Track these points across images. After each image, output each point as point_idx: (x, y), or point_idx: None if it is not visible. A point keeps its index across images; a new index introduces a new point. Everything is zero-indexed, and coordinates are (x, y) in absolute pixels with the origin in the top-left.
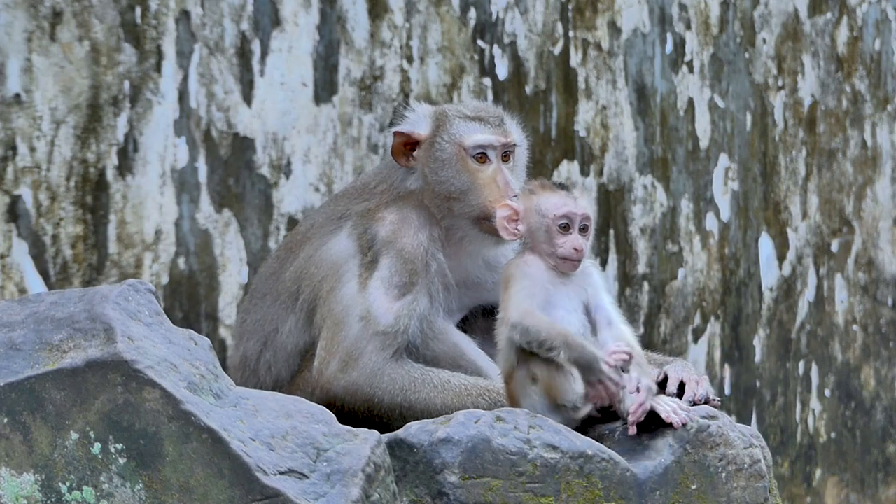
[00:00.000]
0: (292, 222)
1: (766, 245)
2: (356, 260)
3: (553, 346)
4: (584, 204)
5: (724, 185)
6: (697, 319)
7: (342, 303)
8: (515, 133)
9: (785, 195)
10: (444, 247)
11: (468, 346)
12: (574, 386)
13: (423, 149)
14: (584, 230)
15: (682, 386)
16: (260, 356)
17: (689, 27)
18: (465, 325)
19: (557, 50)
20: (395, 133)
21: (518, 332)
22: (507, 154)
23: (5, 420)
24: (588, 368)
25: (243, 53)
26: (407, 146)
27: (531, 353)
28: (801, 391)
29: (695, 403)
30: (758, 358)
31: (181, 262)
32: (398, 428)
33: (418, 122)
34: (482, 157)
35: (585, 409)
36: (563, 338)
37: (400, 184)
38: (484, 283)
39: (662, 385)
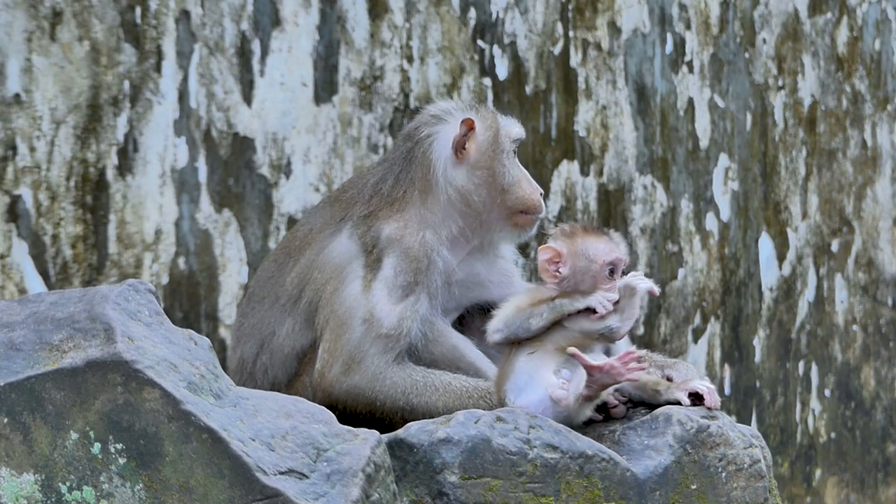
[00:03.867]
0: (292, 222)
1: (766, 245)
2: (360, 260)
3: (541, 309)
4: (624, 249)
5: (724, 185)
6: (697, 319)
7: (345, 304)
8: None
9: (785, 195)
10: (452, 245)
11: (467, 347)
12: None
13: (477, 141)
14: (621, 275)
15: None
16: (256, 359)
17: (689, 27)
18: (462, 325)
19: (557, 50)
20: (465, 121)
21: (500, 331)
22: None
23: (5, 420)
24: (585, 301)
25: (243, 53)
26: (463, 138)
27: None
28: (801, 391)
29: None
30: (758, 358)
31: (181, 262)
32: (399, 429)
33: (468, 114)
34: (515, 152)
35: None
36: (547, 301)
37: (420, 181)
38: (486, 281)
39: None
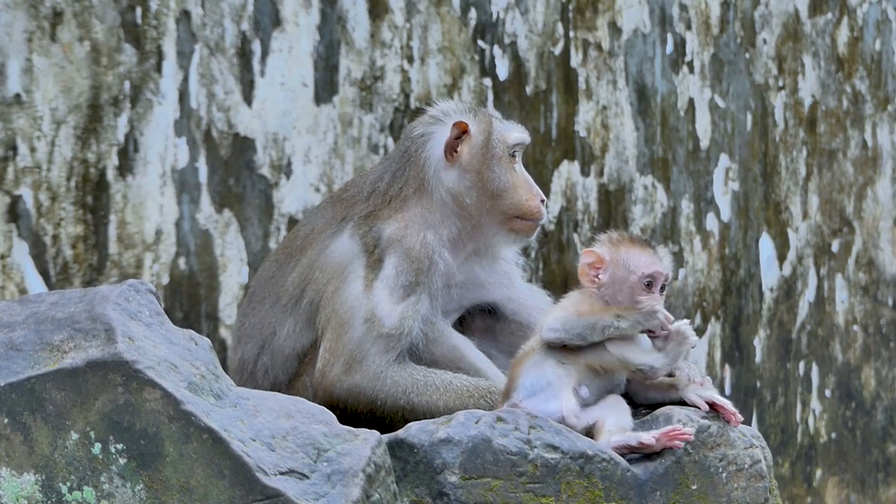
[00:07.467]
0: (293, 222)
1: (766, 245)
2: (361, 260)
3: (604, 324)
4: (667, 264)
5: (724, 186)
6: (698, 320)
7: (347, 303)
8: None
9: (785, 195)
10: (452, 247)
11: (468, 347)
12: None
13: (470, 144)
14: (662, 289)
15: None
16: (257, 360)
17: (689, 27)
18: (462, 326)
19: (558, 50)
20: (456, 124)
21: (556, 331)
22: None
23: (6, 420)
24: (649, 319)
25: (244, 53)
26: (456, 141)
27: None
28: (802, 391)
29: None
30: (758, 358)
31: (181, 262)
32: (400, 428)
33: (462, 117)
34: (514, 157)
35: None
36: (609, 316)
37: (413, 180)
38: (486, 283)
39: None
